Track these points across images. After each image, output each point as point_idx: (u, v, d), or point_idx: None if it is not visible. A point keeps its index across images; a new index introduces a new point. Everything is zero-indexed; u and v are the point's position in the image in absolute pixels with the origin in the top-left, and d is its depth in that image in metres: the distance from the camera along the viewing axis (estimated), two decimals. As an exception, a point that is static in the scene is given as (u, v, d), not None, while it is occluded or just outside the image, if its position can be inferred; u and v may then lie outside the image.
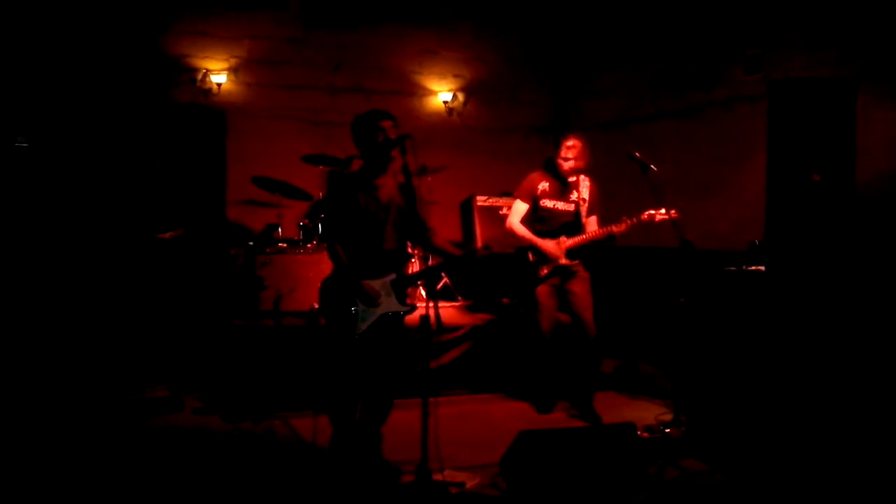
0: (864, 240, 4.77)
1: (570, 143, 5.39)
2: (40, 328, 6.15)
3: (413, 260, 6.61)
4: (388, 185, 4.29)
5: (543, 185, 5.52)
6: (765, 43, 6.56)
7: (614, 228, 5.27)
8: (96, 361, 5.87)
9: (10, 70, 7.01)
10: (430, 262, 6.86)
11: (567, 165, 5.40)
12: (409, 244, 4.71)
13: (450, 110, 8.93)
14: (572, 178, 5.50)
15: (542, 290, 5.49)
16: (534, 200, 5.52)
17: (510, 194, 7.01)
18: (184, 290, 6.19)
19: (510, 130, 9.08)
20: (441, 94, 8.88)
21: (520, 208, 5.55)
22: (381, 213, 4.22)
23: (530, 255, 5.46)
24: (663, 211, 5.08)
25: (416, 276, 4.52)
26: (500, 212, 7.12)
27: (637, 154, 5.07)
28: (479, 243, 7.13)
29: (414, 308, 4.28)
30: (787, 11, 6.36)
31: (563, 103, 9.30)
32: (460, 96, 8.97)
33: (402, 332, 4.36)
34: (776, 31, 6.47)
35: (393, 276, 4.21)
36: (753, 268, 4.70)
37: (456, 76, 8.97)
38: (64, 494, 4.00)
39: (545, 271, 5.44)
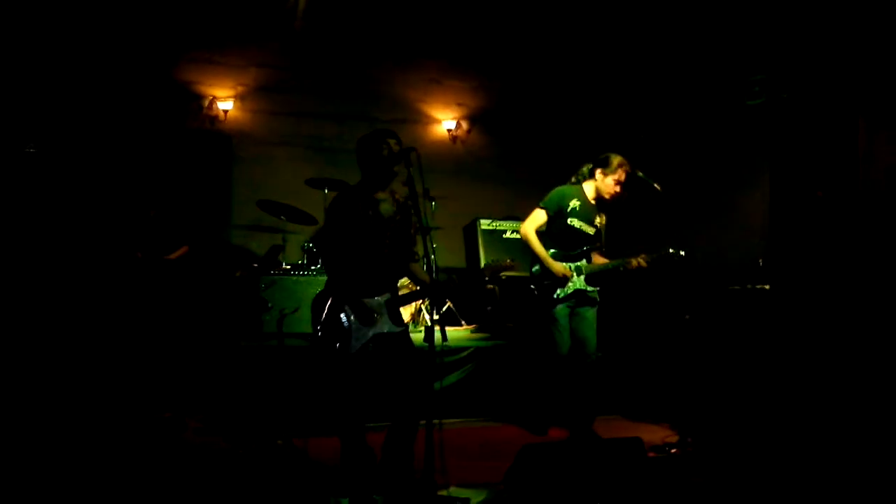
0: (866, 258, 4.77)
1: (626, 168, 5.04)
2: (37, 343, 6.12)
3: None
4: (387, 203, 4.30)
5: (574, 203, 5.19)
6: (768, 67, 6.63)
7: (633, 263, 5.02)
8: (96, 379, 5.84)
9: (27, 90, 7.09)
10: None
11: (611, 191, 5.09)
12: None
13: (454, 138, 9.01)
14: (595, 202, 5.24)
15: (562, 311, 5.25)
16: (560, 215, 5.21)
17: (514, 218, 7.04)
18: (188, 312, 6.19)
19: (513, 158, 9.15)
20: (445, 122, 8.97)
21: (539, 216, 5.24)
22: (381, 229, 4.22)
23: (546, 278, 5.24)
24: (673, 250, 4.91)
25: (409, 296, 4.47)
26: (504, 235, 7.13)
27: (640, 173, 5.07)
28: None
29: (407, 328, 4.26)
30: (790, 37, 6.44)
31: (566, 130, 9.36)
32: (464, 124, 9.06)
33: (416, 352, 4.28)
34: (779, 55, 6.54)
35: (388, 295, 4.21)
36: (759, 286, 4.70)
37: (460, 105, 9.07)
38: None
39: (559, 293, 5.21)
